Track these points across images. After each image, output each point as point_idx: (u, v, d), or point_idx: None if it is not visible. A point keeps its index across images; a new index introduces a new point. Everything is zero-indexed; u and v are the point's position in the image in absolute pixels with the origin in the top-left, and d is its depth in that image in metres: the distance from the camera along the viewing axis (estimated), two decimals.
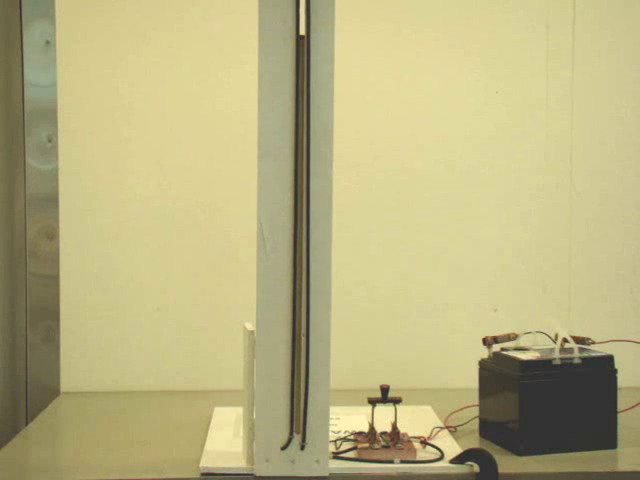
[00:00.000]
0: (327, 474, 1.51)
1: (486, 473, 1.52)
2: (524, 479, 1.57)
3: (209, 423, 1.81)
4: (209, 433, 1.74)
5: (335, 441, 1.62)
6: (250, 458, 1.52)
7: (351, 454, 1.58)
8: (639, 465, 1.59)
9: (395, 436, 1.61)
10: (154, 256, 2.19)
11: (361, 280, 2.20)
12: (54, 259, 2.16)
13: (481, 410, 1.75)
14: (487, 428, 1.73)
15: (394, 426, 1.62)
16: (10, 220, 2.17)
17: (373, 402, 1.62)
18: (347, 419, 1.79)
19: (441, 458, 1.58)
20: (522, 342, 1.74)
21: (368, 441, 1.60)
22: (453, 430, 1.75)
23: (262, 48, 1.48)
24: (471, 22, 2.23)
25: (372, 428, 1.63)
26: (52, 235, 2.16)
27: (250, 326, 1.53)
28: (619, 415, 1.68)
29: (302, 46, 1.47)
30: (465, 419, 1.78)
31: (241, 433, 1.66)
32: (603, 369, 1.68)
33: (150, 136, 2.19)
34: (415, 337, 2.21)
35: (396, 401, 1.61)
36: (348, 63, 2.03)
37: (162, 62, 2.18)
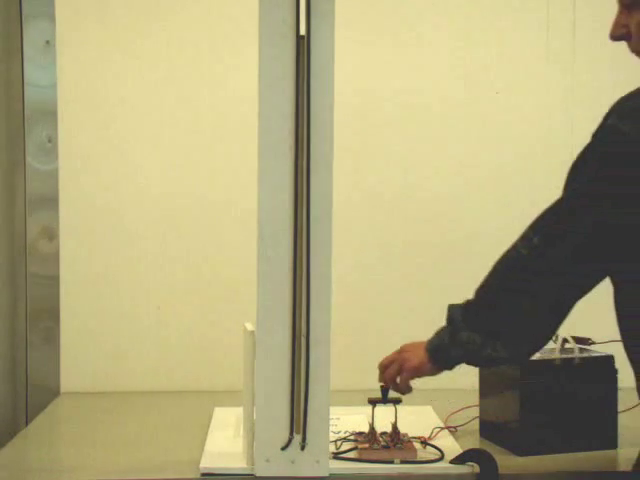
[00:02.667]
0: (327, 474, 1.51)
1: (486, 473, 1.52)
2: (524, 479, 1.57)
3: (209, 423, 1.81)
4: (209, 433, 1.74)
5: (335, 441, 1.62)
6: (250, 458, 1.52)
7: (351, 454, 1.58)
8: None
9: (395, 436, 1.61)
10: (154, 256, 2.19)
11: (361, 280, 2.20)
12: (54, 259, 2.16)
13: (481, 410, 1.75)
14: (487, 428, 1.73)
15: (394, 426, 1.62)
16: (10, 220, 2.17)
17: (373, 402, 1.62)
18: (347, 419, 1.79)
19: (441, 458, 1.58)
20: None
21: (368, 441, 1.60)
22: (453, 430, 1.75)
23: (262, 48, 1.48)
24: (471, 22, 2.23)
25: (372, 428, 1.62)
26: (52, 235, 2.16)
27: (250, 326, 1.53)
28: (619, 415, 1.68)
29: (302, 46, 1.47)
30: (465, 419, 1.78)
31: (241, 433, 1.66)
32: (603, 369, 1.68)
33: (150, 137, 2.19)
34: (415, 337, 2.20)
35: (396, 401, 1.61)
36: (348, 63, 2.02)
37: (162, 62, 2.18)
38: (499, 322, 1.44)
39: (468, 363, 1.50)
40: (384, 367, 1.59)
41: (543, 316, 1.42)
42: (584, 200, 1.37)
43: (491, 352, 1.44)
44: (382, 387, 1.61)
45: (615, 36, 1.46)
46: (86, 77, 2.17)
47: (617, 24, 1.46)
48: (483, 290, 1.47)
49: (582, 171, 1.39)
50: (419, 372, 1.54)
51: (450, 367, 1.52)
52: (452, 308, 1.50)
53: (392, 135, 2.22)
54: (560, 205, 1.40)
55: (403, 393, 1.59)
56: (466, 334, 1.46)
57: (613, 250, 1.37)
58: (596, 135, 1.39)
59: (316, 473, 1.51)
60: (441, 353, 1.50)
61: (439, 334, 1.51)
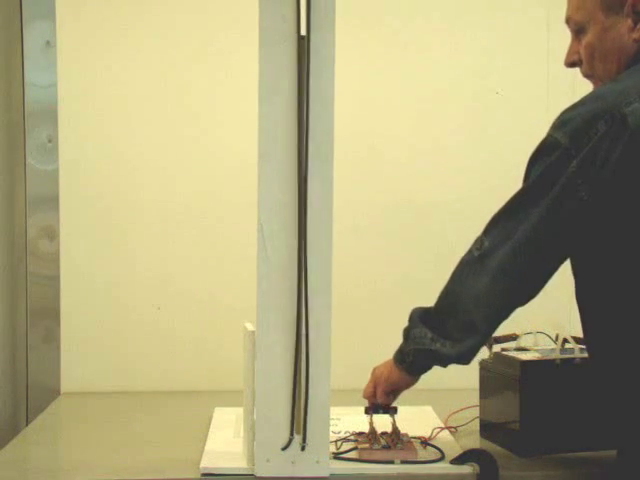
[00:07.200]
0: (327, 474, 1.51)
1: (487, 474, 1.52)
2: (524, 479, 1.57)
3: (209, 423, 1.81)
4: (209, 433, 1.74)
5: (335, 441, 1.62)
6: (250, 458, 1.52)
7: (351, 454, 1.58)
8: None
9: (395, 436, 1.61)
10: (154, 256, 2.19)
11: (361, 280, 2.20)
12: (54, 259, 2.16)
13: (481, 411, 1.75)
14: (488, 428, 1.73)
15: (394, 426, 1.63)
16: (10, 220, 2.17)
17: (369, 411, 1.63)
18: (347, 419, 1.79)
19: (442, 458, 1.58)
20: (523, 342, 1.74)
21: (368, 441, 1.60)
22: (453, 430, 1.75)
23: (262, 48, 1.47)
24: (472, 23, 2.23)
25: (372, 428, 1.63)
26: (52, 235, 2.16)
27: (250, 326, 1.53)
28: None
29: (302, 46, 1.46)
30: (465, 419, 1.78)
31: (241, 433, 1.66)
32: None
33: (150, 136, 2.19)
34: None
35: (392, 410, 1.62)
36: (348, 63, 2.02)
37: (162, 62, 2.18)
38: (452, 325, 1.48)
39: (421, 359, 1.52)
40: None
41: (487, 315, 1.46)
42: (524, 204, 1.43)
43: (440, 347, 1.48)
44: (367, 409, 1.64)
45: (568, 62, 1.55)
46: (86, 77, 2.17)
47: (570, 51, 1.54)
48: (442, 293, 1.53)
49: (526, 175, 1.46)
50: (390, 380, 1.59)
51: (412, 368, 1.55)
52: (414, 310, 1.56)
53: (393, 135, 2.22)
54: (506, 209, 1.46)
55: (385, 405, 1.63)
56: (419, 330, 1.51)
57: (555, 250, 1.43)
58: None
59: (316, 473, 1.51)
60: (400, 352, 1.56)
61: None
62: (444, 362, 1.50)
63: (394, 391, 1.61)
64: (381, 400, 1.61)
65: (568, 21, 1.52)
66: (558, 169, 1.39)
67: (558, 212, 1.40)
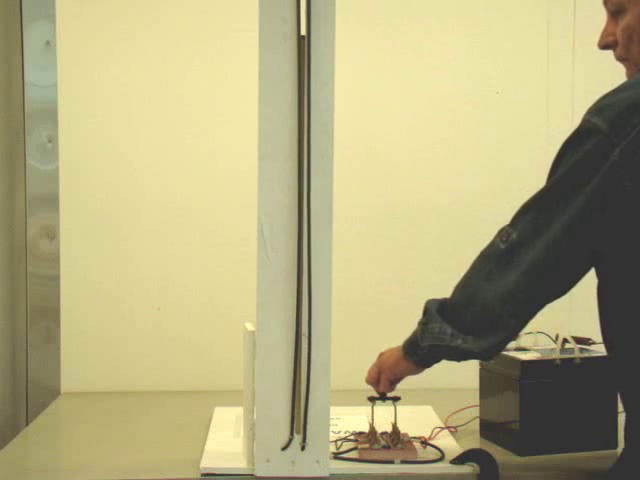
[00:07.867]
0: (327, 474, 1.51)
1: (487, 473, 1.52)
2: (524, 479, 1.57)
3: (209, 423, 1.81)
4: (209, 433, 1.74)
5: (335, 441, 1.62)
6: (250, 458, 1.52)
7: (351, 454, 1.58)
8: None
9: (395, 436, 1.61)
10: (154, 256, 2.19)
11: (362, 280, 2.20)
12: (54, 259, 2.16)
13: (481, 410, 1.75)
14: (488, 428, 1.73)
15: (394, 426, 1.62)
16: (10, 220, 2.17)
17: (373, 399, 1.62)
18: (347, 419, 1.79)
19: (442, 458, 1.57)
20: (522, 342, 1.74)
21: (368, 441, 1.60)
22: (453, 430, 1.75)
23: (262, 48, 1.47)
24: (471, 23, 2.23)
25: (372, 428, 1.63)
26: (52, 235, 2.16)
27: (250, 326, 1.53)
28: (619, 415, 1.68)
29: (302, 46, 1.46)
30: (465, 419, 1.78)
31: (241, 433, 1.66)
32: (603, 369, 1.68)
33: (150, 136, 2.19)
34: None
35: (394, 399, 1.61)
36: (348, 63, 2.03)
37: (162, 62, 2.18)
38: (473, 319, 1.42)
39: (438, 355, 1.49)
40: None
41: (517, 311, 1.40)
42: (561, 194, 1.37)
43: (462, 343, 1.43)
44: (370, 398, 1.63)
45: (602, 45, 1.49)
46: (86, 77, 2.17)
47: (605, 33, 1.49)
48: (461, 286, 1.46)
49: (559, 165, 1.40)
50: (396, 370, 1.56)
51: (423, 361, 1.51)
52: (429, 302, 1.49)
53: (392, 137, 2.22)
54: (538, 200, 1.40)
55: (386, 392, 1.60)
56: (438, 325, 1.45)
57: (593, 243, 1.36)
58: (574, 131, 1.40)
59: (316, 473, 1.51)
60: (413, 346, 1.50)
61: (414, 330, 1.51)
62: (463, 358, 1.46)
63: (398, 380, 1.59)
64: (384, 388, 1.59)
65: (606, 2, 1.46)
66: (598, 156, 1.32)
67: (599, 203, 1.33)
